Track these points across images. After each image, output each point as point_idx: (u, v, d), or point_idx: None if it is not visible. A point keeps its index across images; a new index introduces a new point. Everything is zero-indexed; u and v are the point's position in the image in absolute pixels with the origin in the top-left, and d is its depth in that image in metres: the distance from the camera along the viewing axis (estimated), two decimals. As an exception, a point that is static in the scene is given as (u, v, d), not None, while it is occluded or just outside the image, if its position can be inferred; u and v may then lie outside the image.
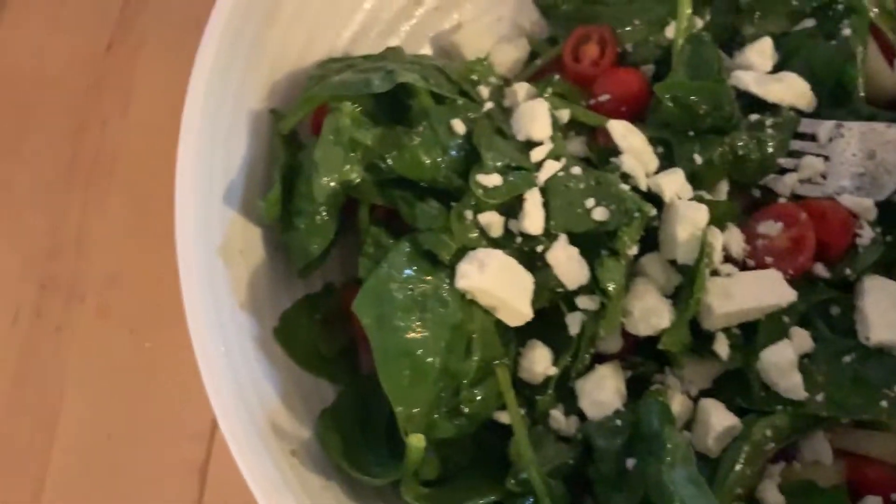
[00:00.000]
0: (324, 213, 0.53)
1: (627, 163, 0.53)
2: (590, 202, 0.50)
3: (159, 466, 0.65)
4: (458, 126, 0.53)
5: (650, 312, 0.50)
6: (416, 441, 0.47)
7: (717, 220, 0.52)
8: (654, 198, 0.52)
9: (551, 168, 0.52)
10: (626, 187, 0.51)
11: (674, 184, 0.52)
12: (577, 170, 0.52)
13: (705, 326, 0.51)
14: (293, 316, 0.55)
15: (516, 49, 0.64)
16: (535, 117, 0.53)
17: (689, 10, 0.58)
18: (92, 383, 0.68)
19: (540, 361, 0.52)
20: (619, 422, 0.50)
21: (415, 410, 0.48)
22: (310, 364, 0.55)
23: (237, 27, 0.53)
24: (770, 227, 0.53)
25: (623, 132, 0.54)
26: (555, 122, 0.54)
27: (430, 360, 0.49)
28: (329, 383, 0.56)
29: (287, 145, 0.56)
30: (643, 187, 0.53)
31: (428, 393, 0.49)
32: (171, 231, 0.53)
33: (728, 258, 0.53)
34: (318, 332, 0.56)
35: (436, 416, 0.49)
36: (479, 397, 0.51)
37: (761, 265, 0.52)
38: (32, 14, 0.79)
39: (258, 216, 0.55)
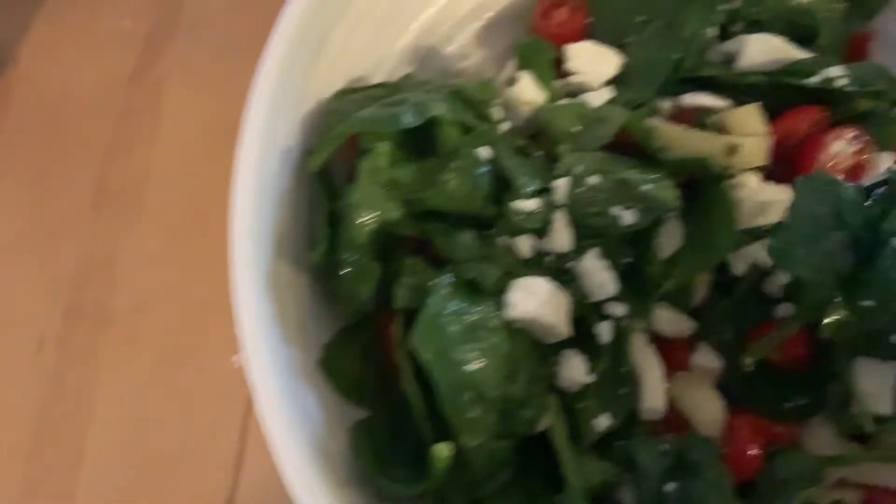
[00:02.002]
0: (368, 257, 0.54)
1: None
2: (616, 210, 0.51)
3: (186, 497, 0.65)
4: (484, 153, 0.54)
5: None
6: (441, 451, 0.48)
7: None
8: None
9: (562, 187, 0.52)
10: (648, 186, 0.52)
11: None
12: (594, 179, 0.52)
13: None
14: (336, 347, 0.56)
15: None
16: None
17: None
18: (119, 413, 0.67)
19: (577, 370, 0.52)
20: (666, 446, 0.51)
21: (478, 441, 0.49)
22: (353, 394, 0.55)
23: (293, 61, 0.54)
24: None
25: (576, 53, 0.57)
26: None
27: (489, 389, 0.49)
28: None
29: (326, 190, 0.56)
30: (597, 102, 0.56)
31: (490, 421, 0.49)
32: (199, 259, 0.54)
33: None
34: (360, 362, 0.56)
35: (495, 441, 0.50)
36: (527, 417, 0.51)
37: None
38: (61, 40, 0.80)
39: (300, 252, 0.55)
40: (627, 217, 0.51)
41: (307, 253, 0.55)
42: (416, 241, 0.56)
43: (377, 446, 0.53)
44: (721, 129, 0.59)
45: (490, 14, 0.69)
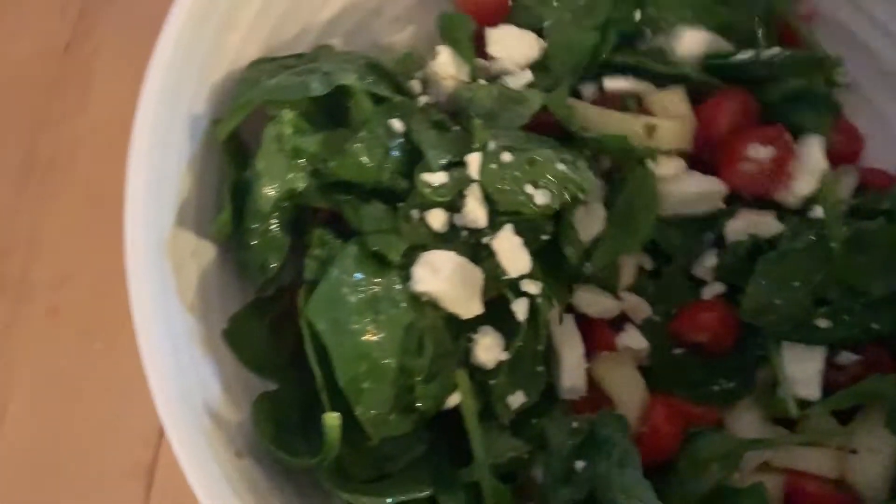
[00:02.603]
0: (275, 227, 0.53)
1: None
2: (529, 188, 0.51)
3: (106, 469, 0.65)
4: (397, 125, 0.53)
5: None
6: (331, 420, 0.47)
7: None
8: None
9: (474, 162, 0.52)
10: (562, 166, 0.51)
11: None
12: (507, 157, 0.51)
13: None
14: (243, 319, 0.55)
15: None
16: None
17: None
18: (40, 384, 0.67)
19: (492, 347, 0.52)
20: (576, 423, 0.51)
21: (374, 412, 0.49)
22: (258, 367, 0.54)
23: (194, 32, 0.53)
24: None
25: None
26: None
27: (387, 361, 0.49)
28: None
29: (234, 160, 0.55)
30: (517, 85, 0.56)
31: (386, 393, 0.49)
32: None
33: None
34: (268, 334, 0.55)
35: (393, 415, 0.50)
36: (432, 393, 0.51)
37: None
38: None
39: (207, 221, 0.55)
40: (540, 197, 0.51)
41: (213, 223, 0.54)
42: (329, 213, 0.55)
43: (280, 419, 0.52)
44: (644, 113, 0.58)
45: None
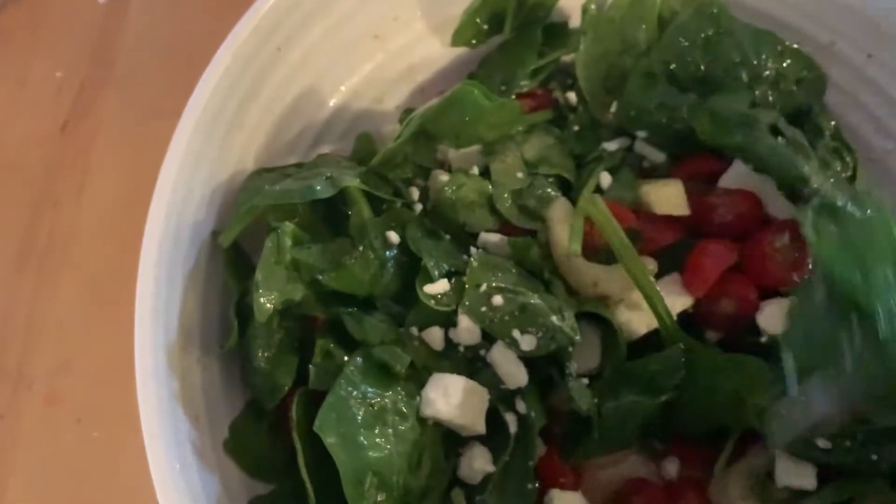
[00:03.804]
0: (283, 347, 0.54)
1: None
2: (515, 332, 0.51)
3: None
4: (393, 237, 0.54)
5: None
6: None
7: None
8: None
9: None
10: (554, 318, 0.51)
11: None
12: (498, 300, 0.52)
13: None
14: (242, 425, 0.55)
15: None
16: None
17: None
18: (37, 472, 0.67)
19: (478, 459, 0.52)
20: None
21: None
22: (258, 472, 0.54)
23: (204, 135, 0.54)
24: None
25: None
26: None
27: (394, 476, 0.49)
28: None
29: (236, 272, 0.55)
30: None
31: None
32: (123, 319, 0.53)
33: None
34: (267, 438, 0.55)
35: None
36: None
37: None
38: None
39: (211, 331, 0.55)
40: (525, 343, 0.51)
41: (218, 333, 0.55)
42: (330, 322, 0.55)
43: None
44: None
45: (421, 77, 0.69)
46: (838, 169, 0.60)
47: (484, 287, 0.51)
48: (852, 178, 0.59)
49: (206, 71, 0.55)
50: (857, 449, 0.51)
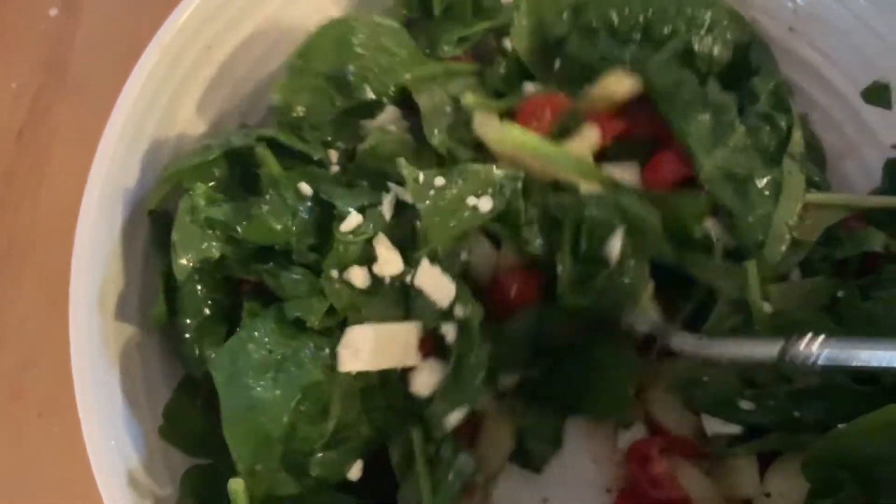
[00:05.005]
0: (210, 317, 0.55)
1: None
2: (471, 200, 0.52)
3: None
4: (306, 188, 0.54)
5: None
6: (235, 485, 0.48)
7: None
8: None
9: (388, 204, 0.53)
10: (490, 166, 0.53)
11: None
12: (440, 180, 0.52)
13: None
14: (175, 408, 0.56)
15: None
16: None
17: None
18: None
19: (422, 379, 0.52)
20: None
21: (257, 467, 0.49)
22: (199, 451, 0.55)
23: (138, 124, 0.56)
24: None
25: None
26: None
27: (277, 419, 0.49)
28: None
29: (164, 247, 0.56)
30: None
31: (272, 451, 0.49)
32: None
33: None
34: (201, 415, 0.55)
35: (281, 474, 0.50)
36: (329, 460, 0.51)
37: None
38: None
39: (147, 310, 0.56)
40: (485, 203, 0.52)
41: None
42: (256, 285, 0.55)
43: (203, 491, 0.52)
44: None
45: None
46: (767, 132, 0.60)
47: (422, 176, 0.52)
48: (785, 142, 0.60)
49: (135, 67, 0.57)
50: (779, 408, 0.52)
